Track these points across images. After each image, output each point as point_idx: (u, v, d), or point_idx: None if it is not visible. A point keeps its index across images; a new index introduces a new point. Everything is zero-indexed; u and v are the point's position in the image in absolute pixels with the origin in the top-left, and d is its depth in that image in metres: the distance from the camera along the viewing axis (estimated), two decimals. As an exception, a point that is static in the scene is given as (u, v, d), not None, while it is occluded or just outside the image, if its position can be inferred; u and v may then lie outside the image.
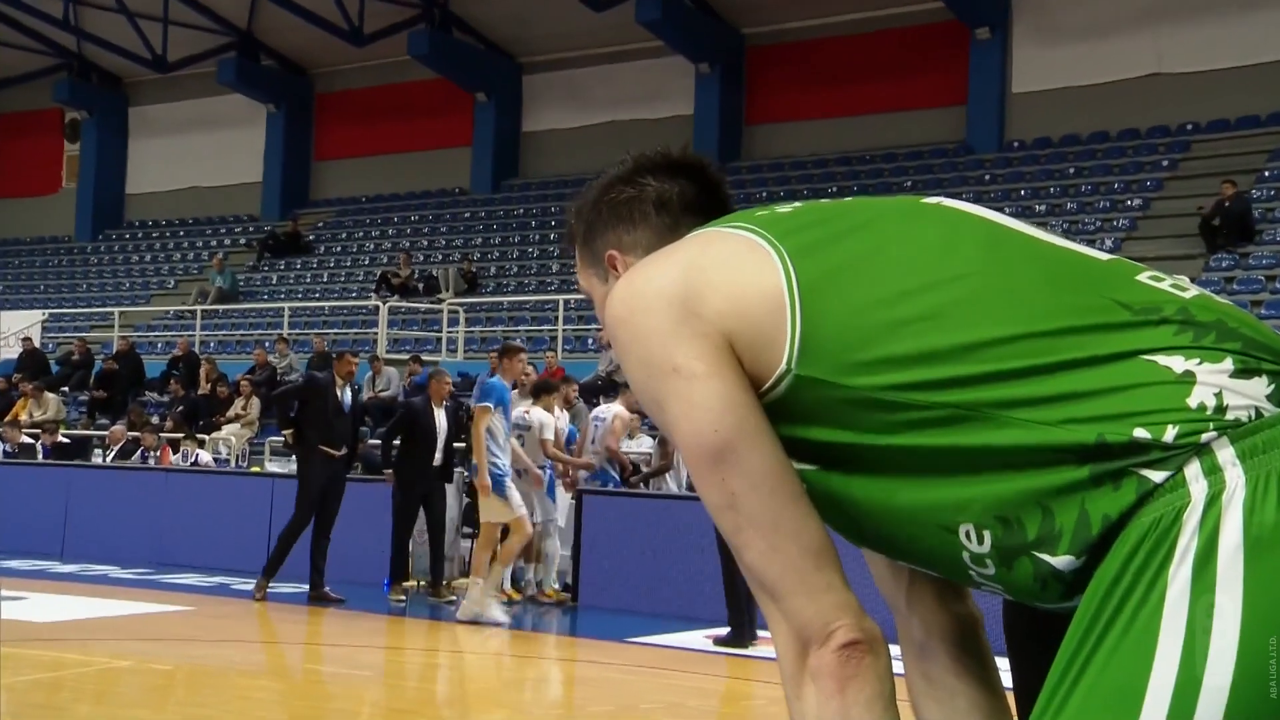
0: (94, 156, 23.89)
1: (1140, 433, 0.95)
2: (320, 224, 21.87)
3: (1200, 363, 0.97)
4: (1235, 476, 0.93)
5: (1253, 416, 0.94)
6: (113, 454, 13.37)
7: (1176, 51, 15.78)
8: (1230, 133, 15.37)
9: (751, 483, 1.02)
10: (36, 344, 18.07)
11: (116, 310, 19.07)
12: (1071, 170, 16.05)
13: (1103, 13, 16.18)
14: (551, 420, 9.16)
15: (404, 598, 8.67)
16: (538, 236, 19.22)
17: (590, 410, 10.71)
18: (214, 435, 14.30)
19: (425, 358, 15.08)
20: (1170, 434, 0.95)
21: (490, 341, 16.37)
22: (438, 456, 8.72)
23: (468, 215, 20.49)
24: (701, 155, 1.35)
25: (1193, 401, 0.96)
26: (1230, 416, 0.95)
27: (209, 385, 15.64)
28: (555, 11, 19.04)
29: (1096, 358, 0.98)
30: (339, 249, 20.82)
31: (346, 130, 22.20)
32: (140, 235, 23.49)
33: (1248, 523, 0.92)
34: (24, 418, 15.36)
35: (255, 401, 14.86)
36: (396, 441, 8.88)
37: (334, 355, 9.53)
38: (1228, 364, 0.97)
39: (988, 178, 16.54)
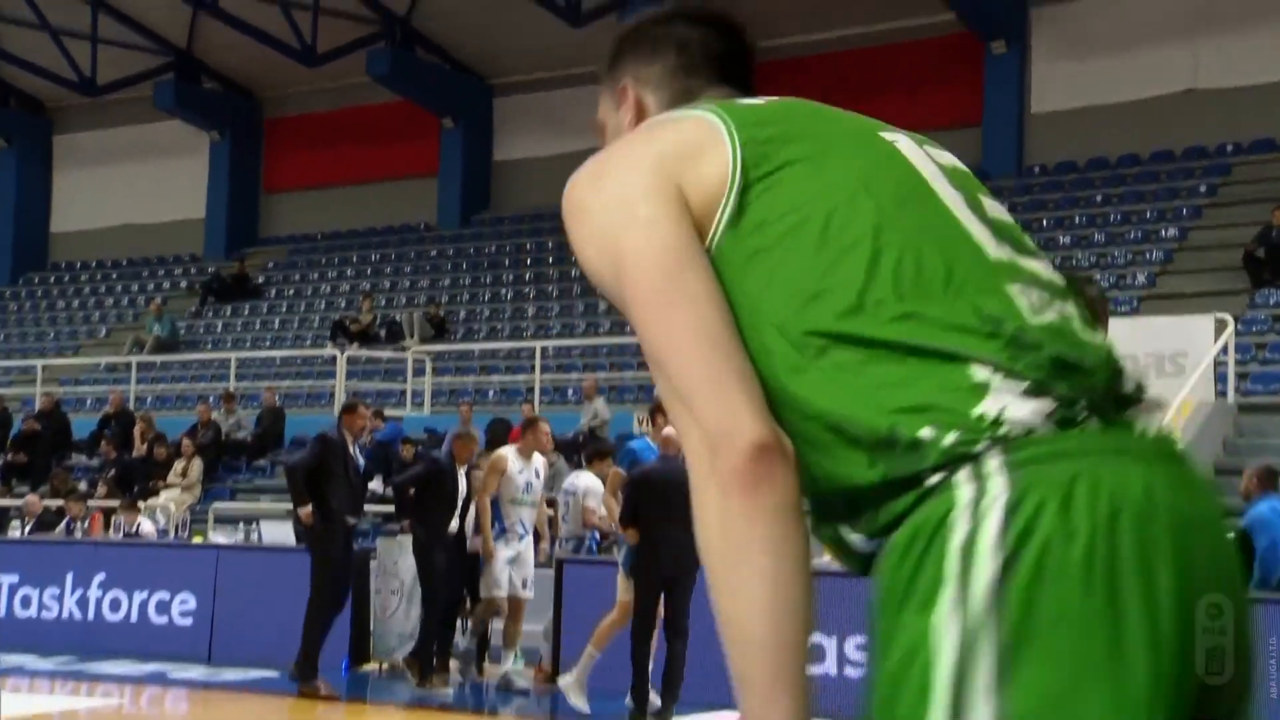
0: (14, 191, 23.84)
1: (927, 431, 1.11)
2: (270, 264, 21.84)
3: (1003, 378, 1.12)
4: (999, 485, 1.09)
5: (1026, 433, 1.10)
6: (30, 526, 13.16)
7: (1215, 65, 15.89)
8: (1276, 154, 15.46)
9: (688, 296, 1.19)
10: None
11: (39, 363, 18.94)
12: (1099, 197, 16.14)
13: (1131, 23, 16.31)
14: (599, 487, 9.36)
15: (448, 689, 8.69)
16: (512, 276, 19.22)
17: (569, 472, 10.76)
18: (150, 502, 14.17)
19: (389, 412, 15.07)
20: (950, 438, 1.10)
21: (460, 393, 16.33)
22: (455, 522, 8.88)
23: (434, 253, 20.49)
24: (739, 20, 1.47)
25: (977, 411, 1.11)
26: (1003, 431, 1.10)
27: (145, 446, 15.52)
28: (529, 27, 19.20)
29: (922, 349, 1.13)
30: (291, 292, 20.79)
31: (299, 159, 22.23)
32: (67, 279, 23.43)
33: (1004, 530, 1.07)
34: None
35: (198, 463, 14.76)
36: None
37: (344, 408, 9.52)
38: (1023, 383, 1.12)
39: (1006, 205, 16.53)
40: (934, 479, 1.11)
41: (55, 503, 13.58)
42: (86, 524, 12.56)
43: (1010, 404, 1.12)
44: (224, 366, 18.00)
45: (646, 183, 1.26)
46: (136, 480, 14.99)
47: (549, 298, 18.35)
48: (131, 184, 23.06)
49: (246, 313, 20.41)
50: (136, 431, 15.87)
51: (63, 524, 12.69)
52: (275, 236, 22.48)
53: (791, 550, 1.14)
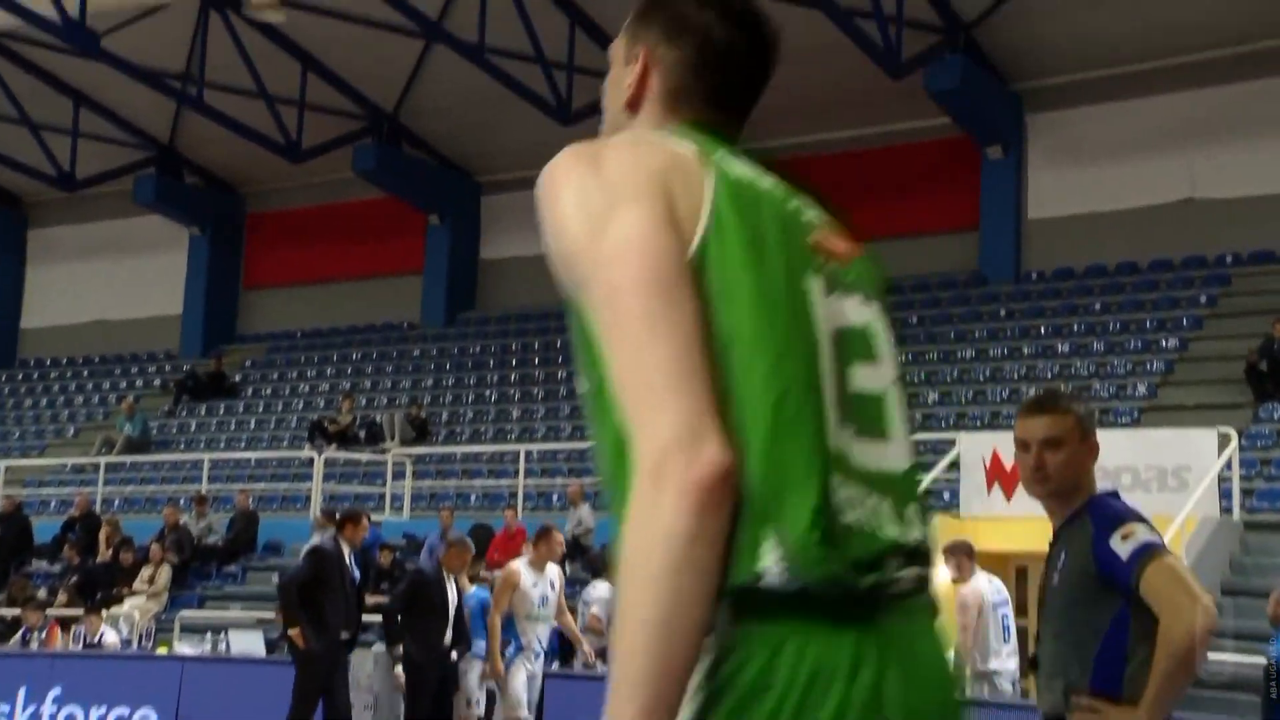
0: (-13, 285, 23.88)
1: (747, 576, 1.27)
2: (248, 362, 21.82)
3: (769, 549, 1.26)
4: (728, 634, 1.25)
5: (764, 597, 1.25)
6: None
7: (1212, 175, 16.13)
8: (1275, 266, 15.62)
9: (637, 296, 1.26)
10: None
11: (2, 463, 18.80)
12: (1097, 305, 16.28)
13: (1128, 132, 16.60)
14: (608, 595, 9.36)
15: None
16: (496, 377, 19.23)
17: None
18: (114, 610, 13.97)
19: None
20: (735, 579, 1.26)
21: (441, 497, 16.24)
22: (448, 634, 8.75)
23: (417, 353, 20.52)
24: (774, 28, 1.52)
25: (758, 563, 1.26)
26: (764, 583, 1.26)
27: (110, 551, 15.33)
28: (518, 125, 19.47)
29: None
30: (269, 391, 20.75)
31: (280, 255, 22.34)
32: (35, 376, 23.37)
33: (709, 673, 1.24)
34: None
35: (166, 569, 14.59)
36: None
37: (341, 516, 9.47)
38: (785, 561, 1.26)
39: (1003, 312, 16.75)
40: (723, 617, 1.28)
41: (11, 611, 13.31)
42: (44, 634, 12.32)
43: (782, 563, 1.26)
44: (196, 468, 17.89)
45: (650, 185, 1.32)
46: (100, 587, 14.77)
47: (534, 399, 18.34)
48: (108, 279, 23.11)
49: (222, 412, 20.35)
50: (102, 535, 15.71)
51: (18, 634, 12.42)
52: (254, 333, 22.50)
53: (706, 581, 1.23)
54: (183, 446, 19.56)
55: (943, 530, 10.99)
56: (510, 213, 20.72)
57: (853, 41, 15.73)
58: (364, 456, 17.24)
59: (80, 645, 12.03)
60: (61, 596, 14.14)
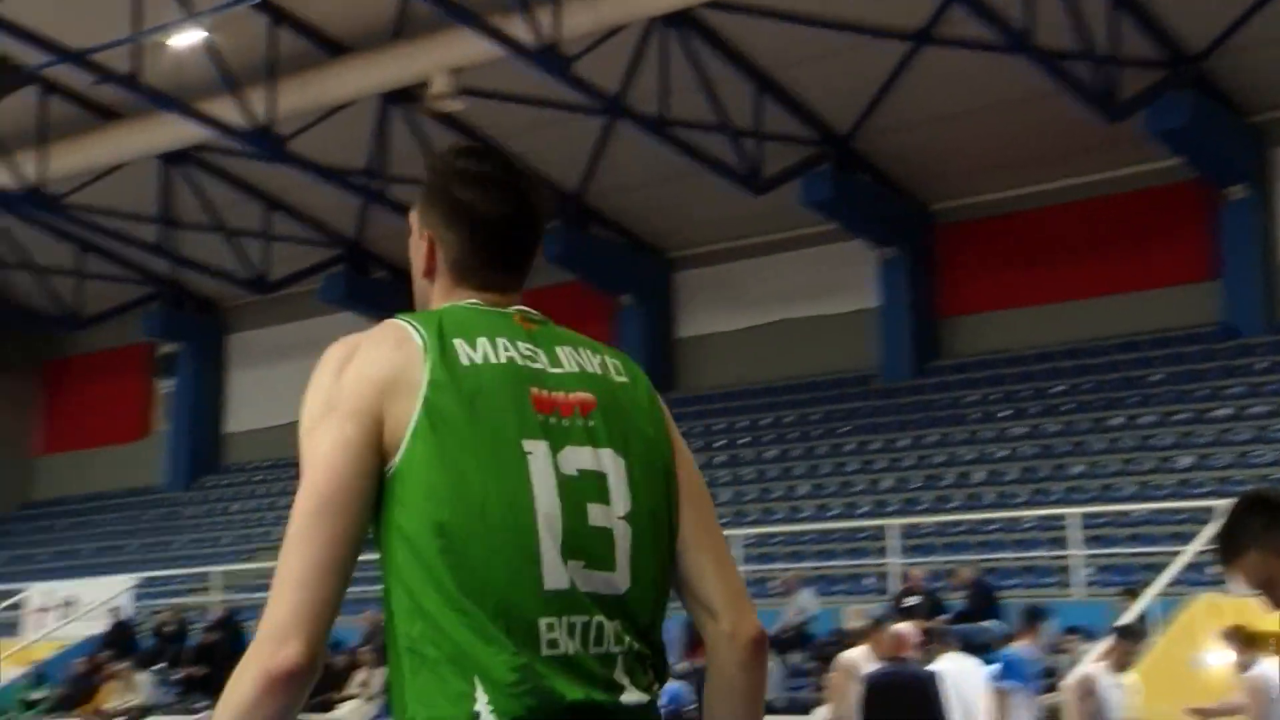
0: (190, 393, 25.05)
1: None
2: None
3: (487, 690, 1.66)
4: None
5: None
6: None
7: None
8: None
9: (305, 504, 1.67)
10: (126, 614, 18.50)
11: (216, 569, 19.49)
12: (1366, 350, 15.34)
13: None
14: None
15: None
16: (702, 460, 19.14)
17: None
18: (330, 715, 14.36)
19: None
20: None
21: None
22: None
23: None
24: (537, 199, 1.89)
25: (474, 706, 1.65)
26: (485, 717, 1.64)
27: None
28: (707, 199, 19.53)
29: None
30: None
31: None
32: (241, 480, 24.28)
33: None
34: (110, 705, 15.57)
35: (379, 672, 14.80)
36: None
37: None
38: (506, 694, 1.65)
39: (1258, 366, 15.89)
40: None
41: None
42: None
43: (489, 705, 1.64)
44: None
45: (362, 403, 1.72)
46: (314, 692, 15.02)
47: (744, 481, 18.17)
48: (302, 380, 23.72)
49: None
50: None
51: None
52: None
53: None
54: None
55: (1215, 611, 10.31)
56: (705, 288, 20.74)
57: (1065, 85, 15.30)
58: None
59: None
60: None
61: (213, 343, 25.26)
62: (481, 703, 1.64)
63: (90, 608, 19.18)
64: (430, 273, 1.91)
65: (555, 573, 1.69)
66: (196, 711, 15.24)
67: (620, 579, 1.74)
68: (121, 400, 26.31)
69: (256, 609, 18.68)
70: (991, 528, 15.29)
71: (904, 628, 8.31)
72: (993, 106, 17.25)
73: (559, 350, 1.85)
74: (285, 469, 24.01)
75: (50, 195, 20.33)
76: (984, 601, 13.06)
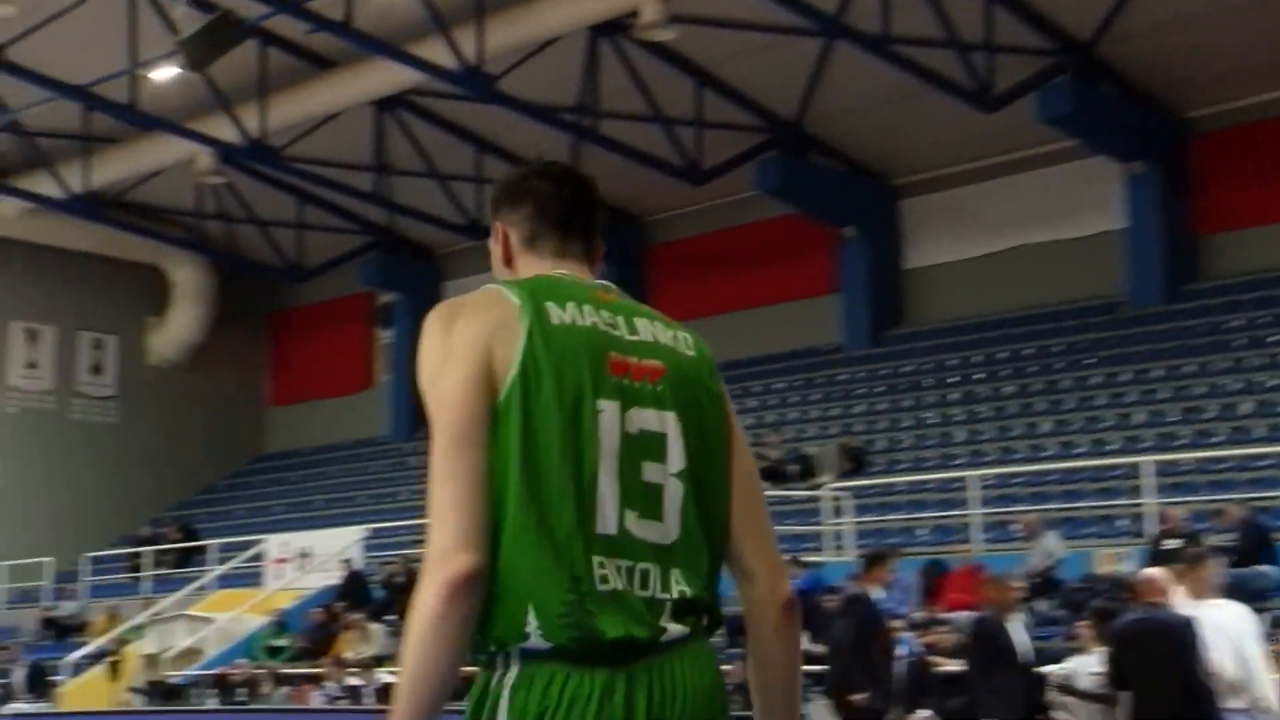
0: (408, 343, 25.65)
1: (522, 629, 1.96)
2: (662, 400, 22.18)
3: (539, 615, 1.94)
4: (512, 675, 1.94)
5: (539, 649, 1.93)
6: None
7: None
8: None
9: (444, 440, 1.96)
10: (358, 565, 19.08)
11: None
12: None
13: None
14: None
15: None
16: (935, 398, 18.57)
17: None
18: None
19: (806, 557, 14.77)
20: (498, 638, 1.96)
21: (885, 534, 15.79)
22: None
23: (844, 377, 20.20)
24: (586, 177, 2.24)
25: (521, 628, 1.94)
26: (529, 644, 1.93)
27: None
28: (935, 120, 18.82)
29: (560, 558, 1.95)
30: (688, 429, 20.94)
31: (684, 286, 22.69)
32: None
33: (514, 708, 1.93)
34: (348, 655, 16.10)
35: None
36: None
37: (867, 557, 9.34)
38: (559, 622, 1.94)
39: None
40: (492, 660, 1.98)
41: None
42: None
43: (539, 630, 1.93)
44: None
45: (473, 349, 1.98)
46: None
47: (981, 420, 17.54)
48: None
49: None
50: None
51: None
52: (667, 370, 22.88)
53: (453, 648, 1.90)
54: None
55: None
56: (933, 215, 20.07)
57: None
58: (798, 493, 17.06)
59: None
60: None
61: (429, 291, 25.76)
62: (532, 627, 1.93)
63: (324, 559, 19.87)
64: (509, 260, 2.22)
65: (609, 519, 1.98)
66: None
67: (669, 530, 2.02)
68: (345, 351, 27.17)
69: None
70: (1264, 463, 14.33)
71: (1155, 572, 7.79)
72: (1249, 2, 16.06)
73: (636, 321, 2.12)
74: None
75: (271, 147, 20.97)
76: (1256, 543, 12.27)
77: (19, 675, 18.06)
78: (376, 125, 22.11)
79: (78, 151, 22.08)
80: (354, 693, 14.24)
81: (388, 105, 21.64)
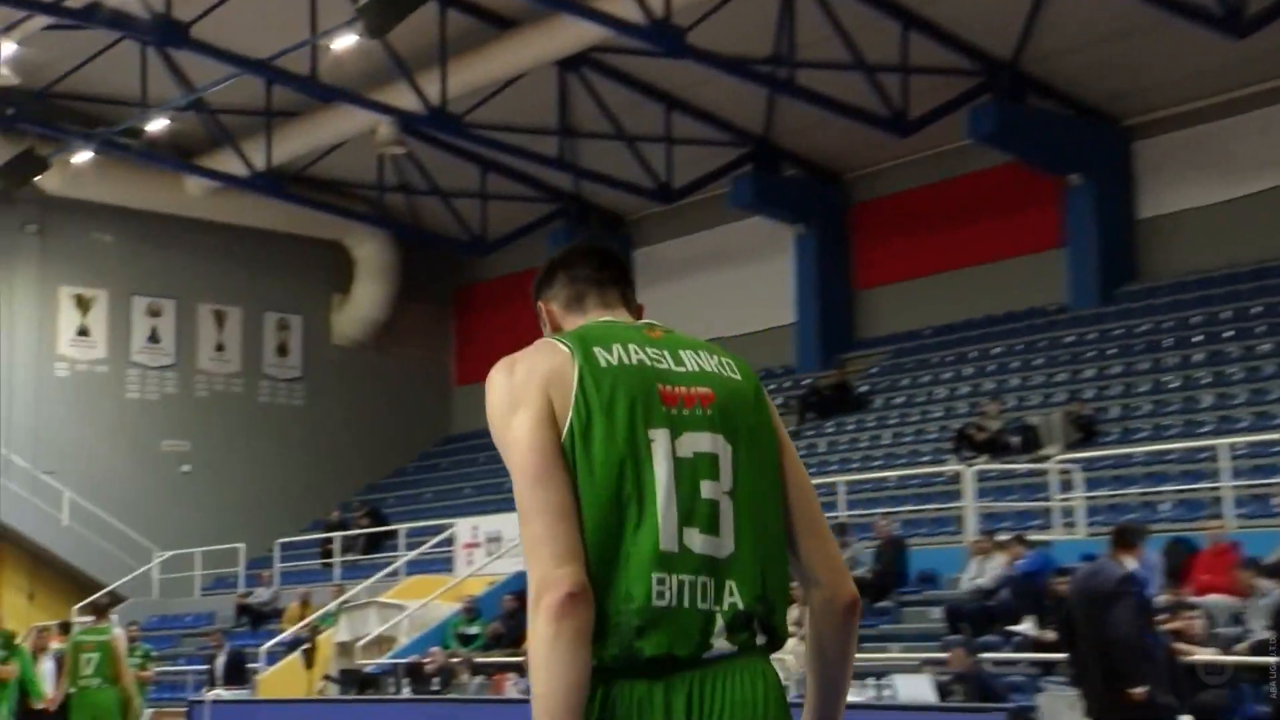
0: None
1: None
2: (873, 369, 22.03)
3: (613, 631, 2.30)
4: (609, 683, 2.28)
5: (615, 663, 2.27)
6: None
7: None
8: None
9: (525, 481, 2.30)
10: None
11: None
12: None
13: None
14: None
15: None
16: (1176, 359, 17.93)
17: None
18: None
19: (1032, 536, 14.45)
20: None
21: (1120, 509, 15.35)
22: None
23: (1071, 339, 19.67)
24: (610, 249, 2.64)
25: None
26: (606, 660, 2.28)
27: None
28: (1173, 51, 18.13)
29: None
30: (901, 400, 20.79)
31: (894, 245, 22.42)
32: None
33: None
34: None
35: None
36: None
37: (1121, 532, 9.05)
38: (625, 636, 2.29)
39: None
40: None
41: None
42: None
43: (612, 646, 2.26)
44: (831, 492, 18.16)
45: (537, 392, 2.32)
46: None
47: (1231, 381, 16.86)
48: (712, 293, 24.35)
49: (851, 427, 20.63)
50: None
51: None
52: (875, 337, 22.70)
53: (574, 661, 2.21)
54: (813, 470, 19.97)
55: None
56: (1172, 157, 19.34)
57: None
58: (1021, 466, 16.71)
59: None
60: None
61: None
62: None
63: (515, 543, 20.29)
64: (556, 328, 2.55)
65: (669, 537, 2.28)
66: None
67: (725, 544, 2.32)
68: (532, 326, 27.23)
69: None
70: None
71: None
72: None
73: (682, 353, 2.43)
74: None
75: (452, 115, 21.43)
76: None
77: (220, 662, 18.93)
78: (560, 86, 22.40)
79: (260, 127, 22.99)
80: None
81: (571, 65, 21.89)
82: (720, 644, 2.28)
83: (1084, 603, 8.70)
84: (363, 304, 28.17)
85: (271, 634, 21.00)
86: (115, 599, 23.56)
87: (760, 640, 2.31)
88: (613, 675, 2.25)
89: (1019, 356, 20.03)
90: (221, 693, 18.08)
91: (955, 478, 16.71)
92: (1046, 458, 16.43)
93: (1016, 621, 13.37)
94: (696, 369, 2.41)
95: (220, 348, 27.71)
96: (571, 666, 2.18)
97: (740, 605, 2.29)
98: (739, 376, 2.45)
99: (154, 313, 27.06)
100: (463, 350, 29.28)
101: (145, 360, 26.93)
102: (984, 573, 14.18)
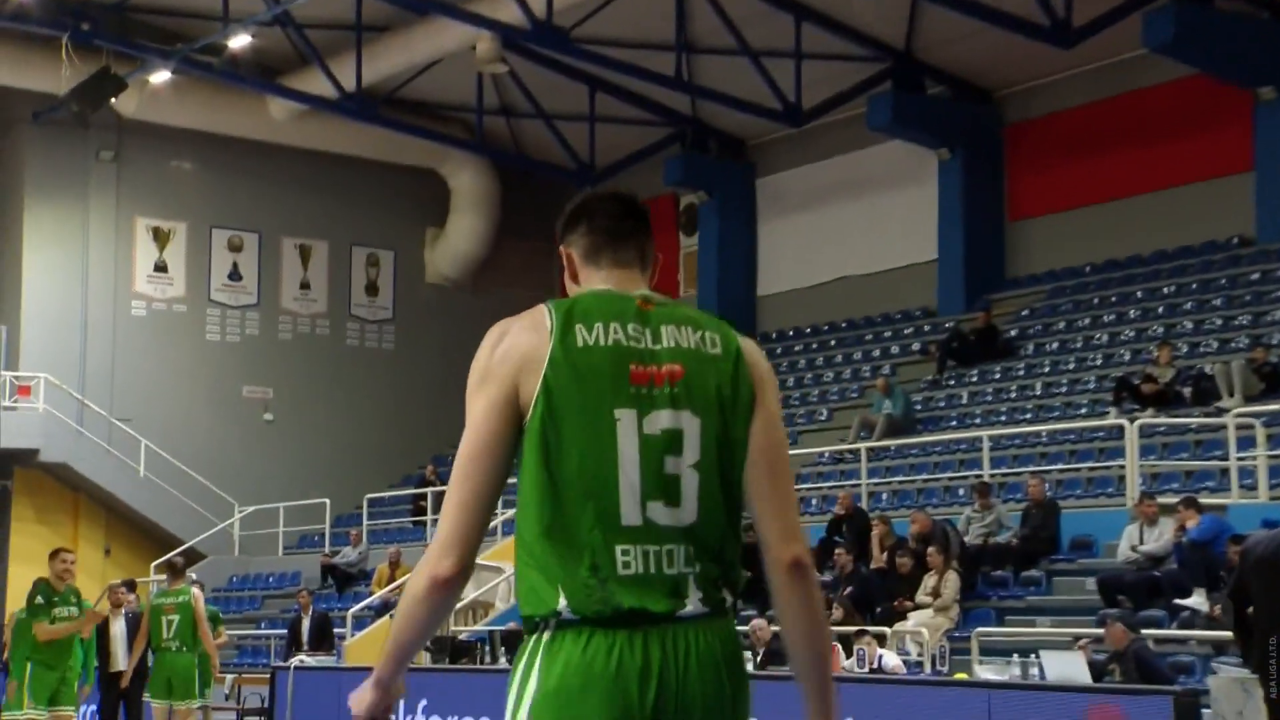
0: (716, 251, 25.75)
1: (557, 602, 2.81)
2: (1024, 312, 21.64)
3: (567, 594, 2.80)
4: (548, 635, 2.79)
5: (569, 619, 2.78)
6: (760, 657, 13.89)
7: None
8: None
9: (458, 461, 2.84)
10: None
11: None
12: None
13: None
14: None
15: None
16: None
17: None
18: (897, 628, 14.34)
19: (1205, 499, 14.26)
20: (535, 611, 2.84)
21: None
22: None
23: (1255, 277, 19.15)
24: (630, 195, 3.07)
25: (553, 604, 2.79)
26: (560, 615, 2.79)
27: (884, 555, 15.70)
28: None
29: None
30: (1055, 346, 20.40)
31: (1053, 173, 21.96)
32: (779, 352, 24.78)
33: (548, 660, 2.80)
34: None
35: (953, 578, 14.68)
36: None
37: None
38: (585, 598, 2.78)
39: None
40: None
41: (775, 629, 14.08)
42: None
43: (567, 605, 2.77)
44: (974, 448, 17.86)
45: (504, 374, 2.83)
46: (876, 599, 15.17)
47: None
48: (844, 227, 24.09)
49: (998, 376, 20.31)
50: (874, 537, 16.06)
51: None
52: (1028, 275, 22.33)
53: (424, 623, 2.86)
54: (954, 423, 19.69)
55: None
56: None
57: None
58: (1193, 421, 16.31)
59: (864, 668, 12.30)
60: (836, 610, 14.63)
61: (741, 190, 25.77)
62: (562, 603, 2.75)
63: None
64: (575, 276, 3.00)
65: (631, 512, 2.76)
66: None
67: (687, 514, 2.78)
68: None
69: (801, 501, 19.09)
70: None
71: None
72: None
73: (664, 329, 2.86)
74: (828, 335, 24.24)
75: (558, 29, 21.26)
76: None
77: (306, 625, 19.17)
78: (678, -5, 22.12)
79: (350, 45, 23.05)
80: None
81: (691, -31, 21.61)
82: (693, 604, 2.79)
83: (1263, 574, 8.33)
84: (460, 239, 28.27)
85: (359, 597, 21.25)
86: (193, 558, 24.07)
87: (728, 601, 2.84)
88: (591, 624, 2.76)
89: (1193, 296, 19.51)
90: (306, 659, 18.28)
91: (1116, 433, 16.39)
92: (1223, 411, 15.97)
93: (1185, 595, 13.09)
94: (673, 345, 2.86)
95: (305, 286, 28.02)
96: (425, 626, 2.86)
97: (703, 570, 2.81)
98: (718, 351, 2.88)
99: (235, 247, 27.46)
100: (569, 291, 29.21)
101: (226, 299, 27.35)
102: (1148, 540, 13.88)
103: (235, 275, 27.46)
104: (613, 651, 2.73)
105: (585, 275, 2.98)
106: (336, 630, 19.79)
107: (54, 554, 11.82)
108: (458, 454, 2.81)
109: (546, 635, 2.77)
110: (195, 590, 13.92)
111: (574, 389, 2.77)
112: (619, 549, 2.75)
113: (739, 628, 2.96)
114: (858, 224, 23.84)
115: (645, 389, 2.80)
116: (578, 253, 2.99)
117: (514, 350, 2.80)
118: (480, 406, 2.80)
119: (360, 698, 2.93)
